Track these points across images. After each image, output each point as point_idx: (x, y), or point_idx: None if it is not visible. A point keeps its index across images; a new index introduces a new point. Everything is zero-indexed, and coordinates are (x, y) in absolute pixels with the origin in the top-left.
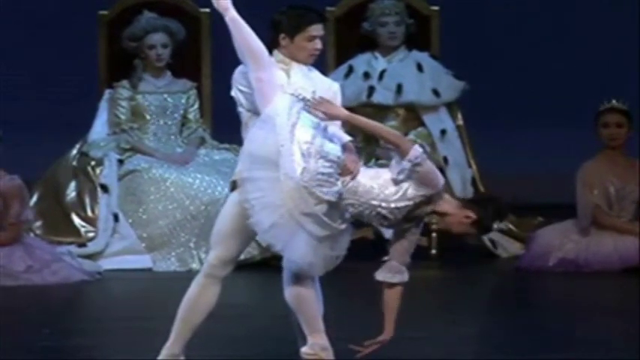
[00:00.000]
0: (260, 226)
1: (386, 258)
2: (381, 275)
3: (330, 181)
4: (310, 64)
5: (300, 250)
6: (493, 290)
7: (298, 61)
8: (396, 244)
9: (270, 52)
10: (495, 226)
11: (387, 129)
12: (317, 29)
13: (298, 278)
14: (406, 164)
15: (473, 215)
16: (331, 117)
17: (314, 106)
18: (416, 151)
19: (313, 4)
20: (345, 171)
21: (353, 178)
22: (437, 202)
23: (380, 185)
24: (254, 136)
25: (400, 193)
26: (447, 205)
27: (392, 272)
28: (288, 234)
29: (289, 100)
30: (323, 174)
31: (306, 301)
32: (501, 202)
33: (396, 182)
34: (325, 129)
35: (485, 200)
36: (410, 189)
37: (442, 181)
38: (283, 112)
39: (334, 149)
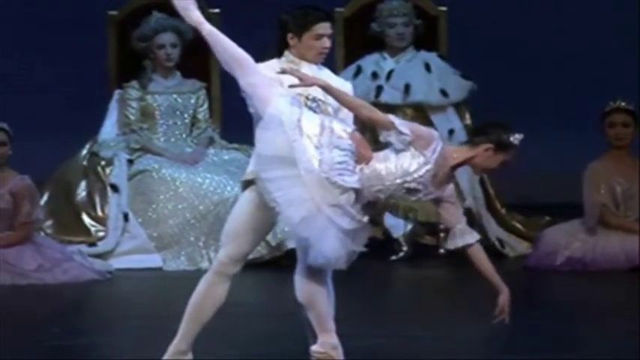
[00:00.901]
0: (290, 221)
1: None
2: (460, 241)
3: (349, 169)
4: (320, 63)
5: (330, 243)
6: None
7: (308, 60)
8: (444, 214)
9: (281, 53)
10: (512, 139)
11: (360, 102)
12: (323, 27)
13: (311, 277)
14: (393, 131)
15: (488, 144)
16: (308, 83)
17: (289, 71)
18: (392, 117)
19: (322, 4)
20: (360, 158)
21: (367, 164)
22: (448, 155)
23: (395, 164)
24: (262, 138)
25: (416, 162)
26: (459, 152)
27: (466, 234)
28: (319, 228)
29: (289, 97)
30: (340, 163)
31: (318, 300)
32: (494, 120)
33: (399, 151)
34: (330, 121)
35: (483, 129)
36: (420, 155)
37: (435, 132)
38: (285, 109)
39: (344, 139)
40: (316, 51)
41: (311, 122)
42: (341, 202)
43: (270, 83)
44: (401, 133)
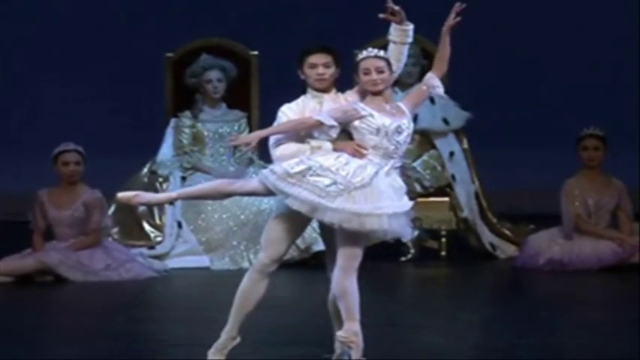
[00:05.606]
0: (359, 228)
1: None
2: (437, 87)
3: (362, 166)
4: (321, 89)
5: (405, 224)
6: (493, 285)
7: (311, 87)
8: (415, 97)
9: (305, 89)
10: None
11: (295, 122)
12: (315, 58)
13: (346, 274)
14: (325, 128)
15: (357, 77)
16: (251, 140)
17: (232, 141)
18: (317, 117)
19: (343, 46)
20: (359, 156)
21: (363, 153)
22: (368, 102)
23: (370, 137)
24: (292, 205)
25: (372, 122)
26: (369, 100)
27: (428, 80)
28: (377, 222)
29: (267, 170)
30: (348, 172)
31: (350, 293)
32: None
33: (356, 130)
34: (307, 157)
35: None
36: (363, 118)
37: (346, 104)
38: (272, 179)
39: (330, 156)
40: (312, 79)
41: (297, 167)
42: (383, 196)
43: None
44: (331, 126)
